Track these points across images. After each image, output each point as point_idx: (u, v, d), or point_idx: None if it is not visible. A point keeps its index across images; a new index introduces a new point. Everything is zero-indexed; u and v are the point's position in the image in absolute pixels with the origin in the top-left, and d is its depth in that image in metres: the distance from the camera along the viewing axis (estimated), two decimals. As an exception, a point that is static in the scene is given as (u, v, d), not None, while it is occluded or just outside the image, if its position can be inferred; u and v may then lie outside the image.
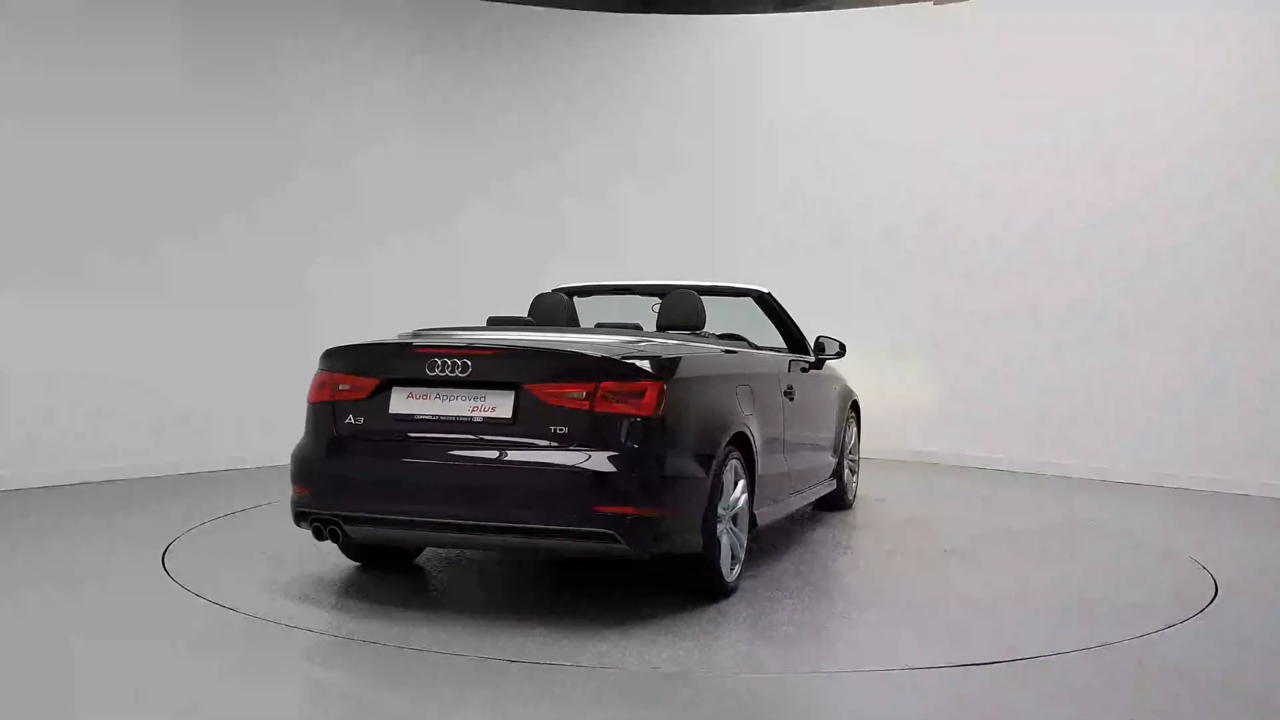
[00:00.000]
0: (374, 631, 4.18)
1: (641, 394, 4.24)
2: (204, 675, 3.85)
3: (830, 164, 9.74)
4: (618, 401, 4.23)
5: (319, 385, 4.67)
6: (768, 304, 6.27)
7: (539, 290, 6.04)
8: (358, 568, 5.23)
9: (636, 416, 4.22)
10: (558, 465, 4.20)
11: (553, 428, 4.24)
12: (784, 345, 6.45)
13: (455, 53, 9.63)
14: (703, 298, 5.57)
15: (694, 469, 4.43)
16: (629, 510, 4.16)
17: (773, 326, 6.42)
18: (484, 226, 9.59)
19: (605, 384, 4.23)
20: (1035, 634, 4.38)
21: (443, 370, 4.37)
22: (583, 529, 4.17)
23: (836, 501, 7.00)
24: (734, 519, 4.75)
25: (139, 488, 7.42)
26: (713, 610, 4.53)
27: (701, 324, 5.40)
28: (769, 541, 5.98)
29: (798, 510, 6.59)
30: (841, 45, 9.84)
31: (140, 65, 7.91)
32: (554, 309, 5.73)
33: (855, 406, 7.27)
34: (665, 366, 4.40)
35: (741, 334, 6.22)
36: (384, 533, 4.59)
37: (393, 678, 3.74)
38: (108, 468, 7.64)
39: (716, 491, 4.51)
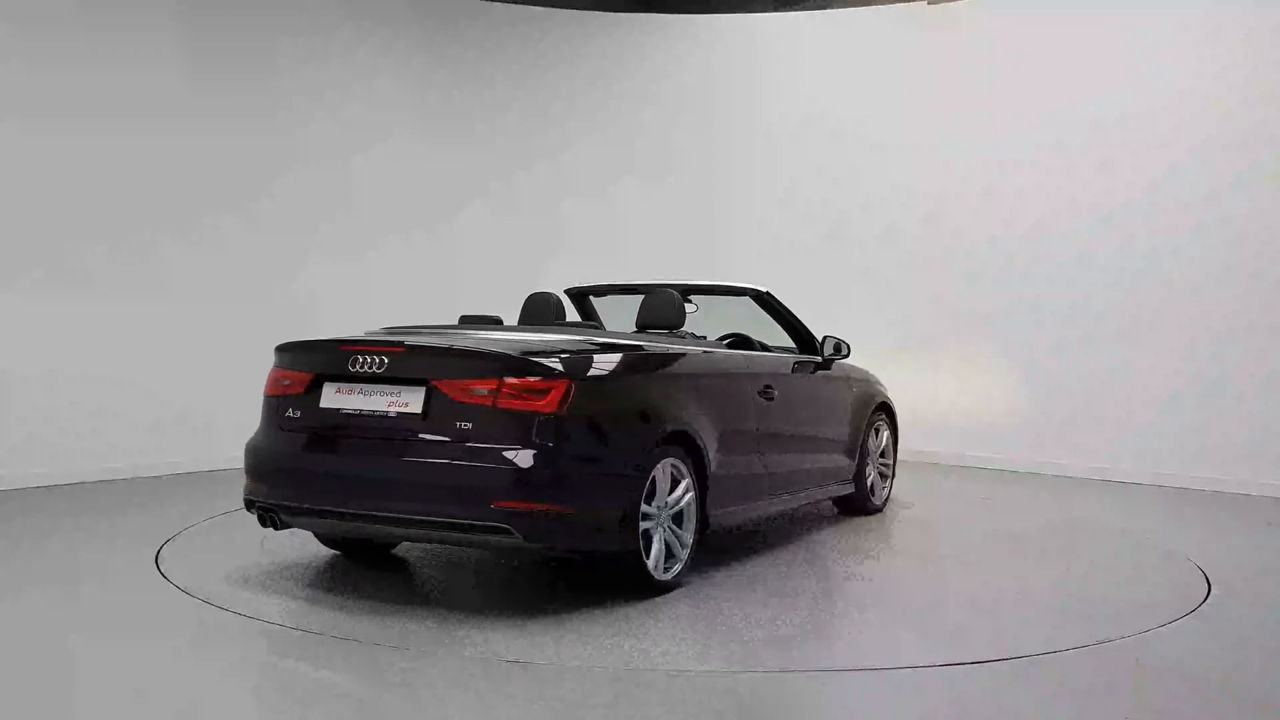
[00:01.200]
0: (372, 632, 4.19)
1: (546, 392, 4.32)
2: (200, 675, 3.84)
3: (830, 164, 9.74)
4: (520, 398, 4.31)
5: (271, 380, 4.88)
6: (768, 303, 6.20)
7: (537, 289, 6.09)
8: (352, 567, 5.24)
9: (539, 414, 4.30)
10: (459, 460, 4.31)
11: (459, 424, 4.35)
12: (792, 345, 6.38)
13: (455, 52, 9.63)
14: (709, 297, 5.76)
15: (610, 467, 4.49)
16: (526, 506, 4.25)
17: (778, 327, 6.35)
18: (483, 226, 9.58)
19: (508, 381, 4.33)
20: (1034, 633, 4.38)
21: (363, 366, 4.53)
22: (480, 523, 4.27)
23: (860, 505, 6.83)
24: (677, 518, 4.81)
25: (138, 487, 7.42)
26: (642, 606, 4.55)
27: (678, 323, 5.45)
28: (746, 541, 5.97)
29: (791, 511, 6.56)
30: (840, 44, 9.83)
31: (139, 64, 7.90)
32: (542, 308, 5.78)
33: (886, 409, 7.08)
34: (574, 365, 4.48)
35: (747, 334, 6.29)
36: (315, 522, 4.78)
37: (390, 678, 3.73)
38: (106, 467, 7.64)
39: (642, 490, 4.54)
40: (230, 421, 8.05)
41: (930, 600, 4.96)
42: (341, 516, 4.55)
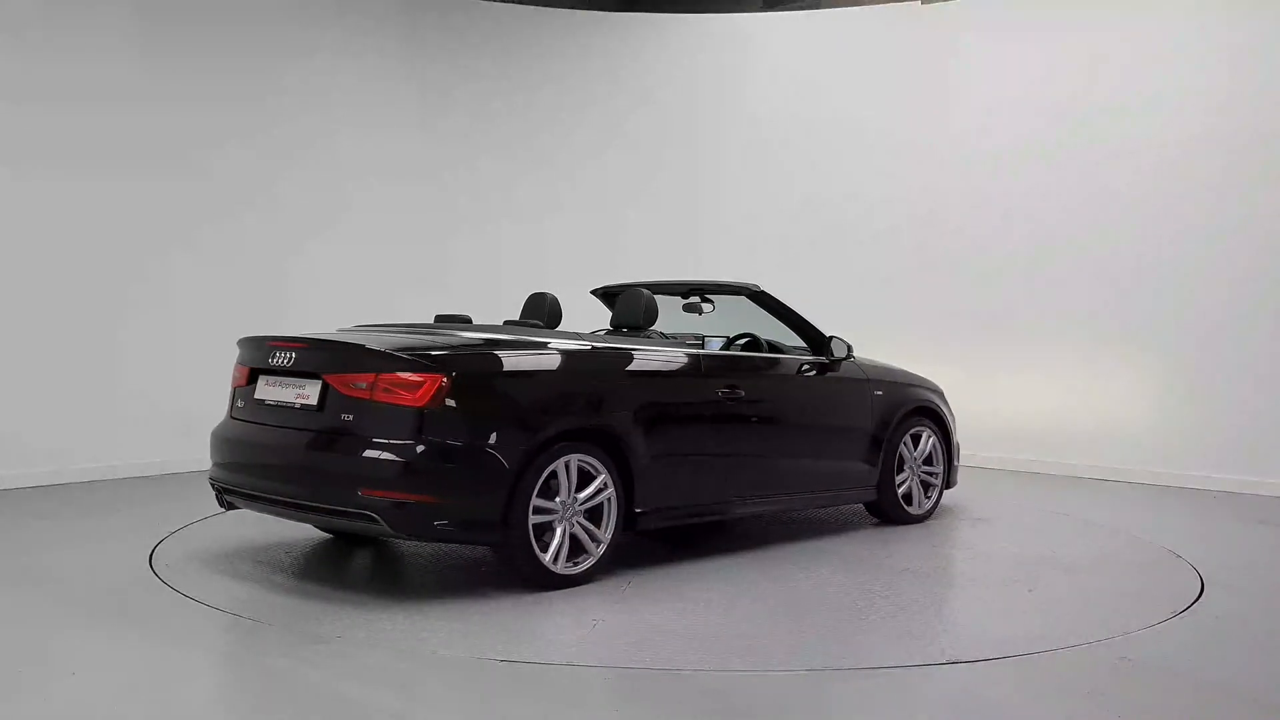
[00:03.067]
0: (370, 632, 4.19)
1: (418, 386, 4.51)
2: (200, 675, 3.84)
3: (825, 163, 9.74)
4: (393, 392, 4.52)
5: (235, 373, 5.29)
6: (764, 301, 6.13)
7: (528, 289, 6.18)
8: (349, 564, 5.24)
9: (410, 408, 4.50)
10: (338, 450, 4.61)
11: (343, 415, 4.62)
12: (803, 346, 6.28)
13: (445, 51, 9.60)
14: (722, 297, 6.01)
15: (486, 461, 4.58)
16: (392, 495, 4.44)
17: (782, 325, 6.22)
18: (478, 226, 9.58)
19: (384, 375, 4.56)
20: (1026, 631, 4.39)
21: (279, 361, 4.90)
22: (351, 510, 4.52)
23: (892, 513, 6.47)
24: (595, 515, 4.89)
25: (140, 487, 7.40)
26: (541, 599, 4.65)
27: (647, 323, 5.55)
28: (709, 541, 5.97)
29: (788, 514, 6.53)
30: (834, 44, 9.84)
31: (130, 59, 7.88)
32: (537, 307, 5.89)
33: (930, 414, 6.70)
34: (450, 361, 4.64)
35: (758, 335, 6.28)
36: (248, 504, 5.06)
37: (387, 678, 3.73)
38: (101, 467, 7.62)
39: (531, 485, 4.64)
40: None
41: (927, 600, 4.97)
42: (262, 500, 4.89)
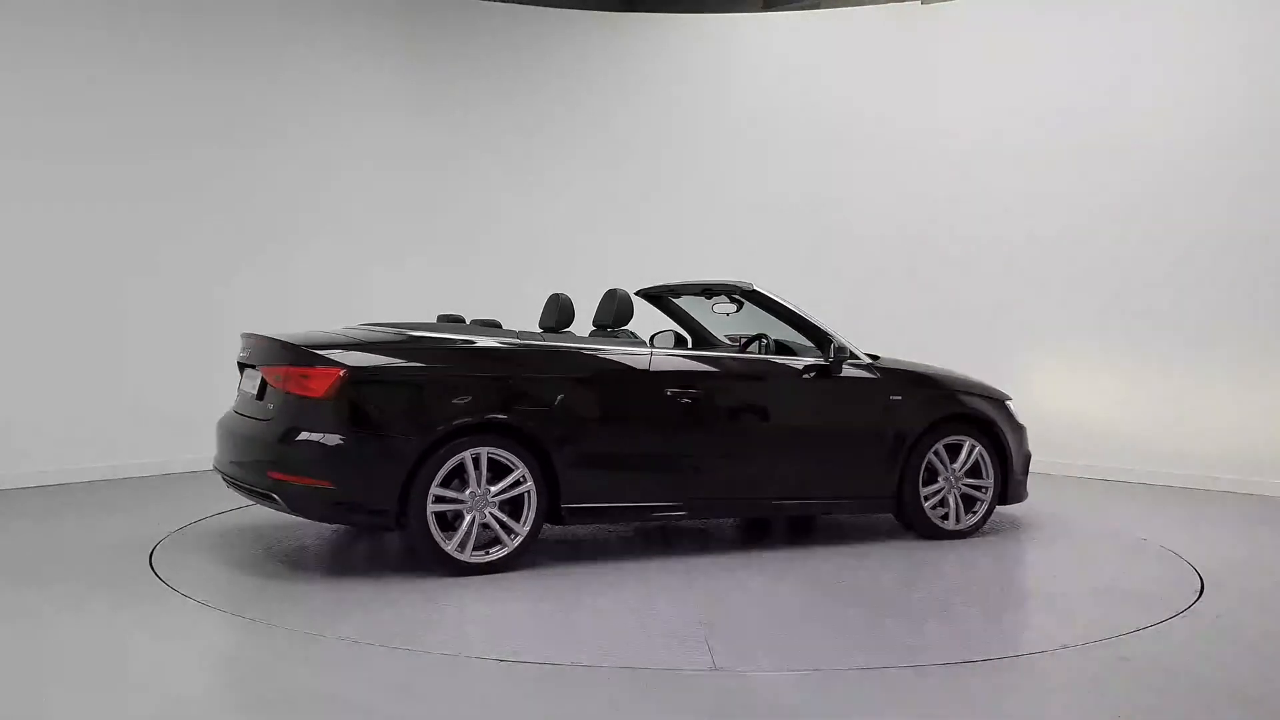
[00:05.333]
0: (370, 631, 4.19)
1: (318, 379, 4.92)
2: (195, 674, 3.84)
3: (825, 163, 9.72)
4: (300, 384, 4.96)
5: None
6: (759, 300, 6.06)
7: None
8: (350, 566, 5.25)
9: (310, 398, 4.92)
10: (257, 436, 5.09)
11: (269, 404, 5.12)
12: (809, 344, 6.11)
13: (439, 50, 9.59)
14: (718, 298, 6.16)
15: (380, 451, 4.92)
16: (290, 479, 4.91)
17: (788, 325, 6.09)
18: (474, 226, 9.58)
19: (293, 369, 5.00)
20: (1023, 631, 4.39)
21: (244, 354, 5.50)
22: (260, 490, 5.04)
23: (920, 529, 6.06)
24: (515, 507, 5.09)
25: (140, 487, 7.41)
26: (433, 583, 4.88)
27: (618, 322, 5.66)
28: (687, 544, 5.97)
29: (760, 515, 6.37)
30: (833, 43, 9.83)
31: (130, 59, 7.88)
32: (552, 309, 5.88)
33: (976, 422, 6.22)
34: (351, 357, 4.98)
35: (775, 336, 6.30)
36: (230, 487, 5.44)
37: (387, 677, 3.73)
38: (101, 467, 7.62)
39: (431, 475, 4.91)
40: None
41: (927, 600, 4.97)
42: (229, 483, 5.36)
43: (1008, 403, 6.49)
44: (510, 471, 5.08)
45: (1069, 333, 8.70)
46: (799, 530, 6.40)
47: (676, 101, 10.03)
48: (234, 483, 5.30)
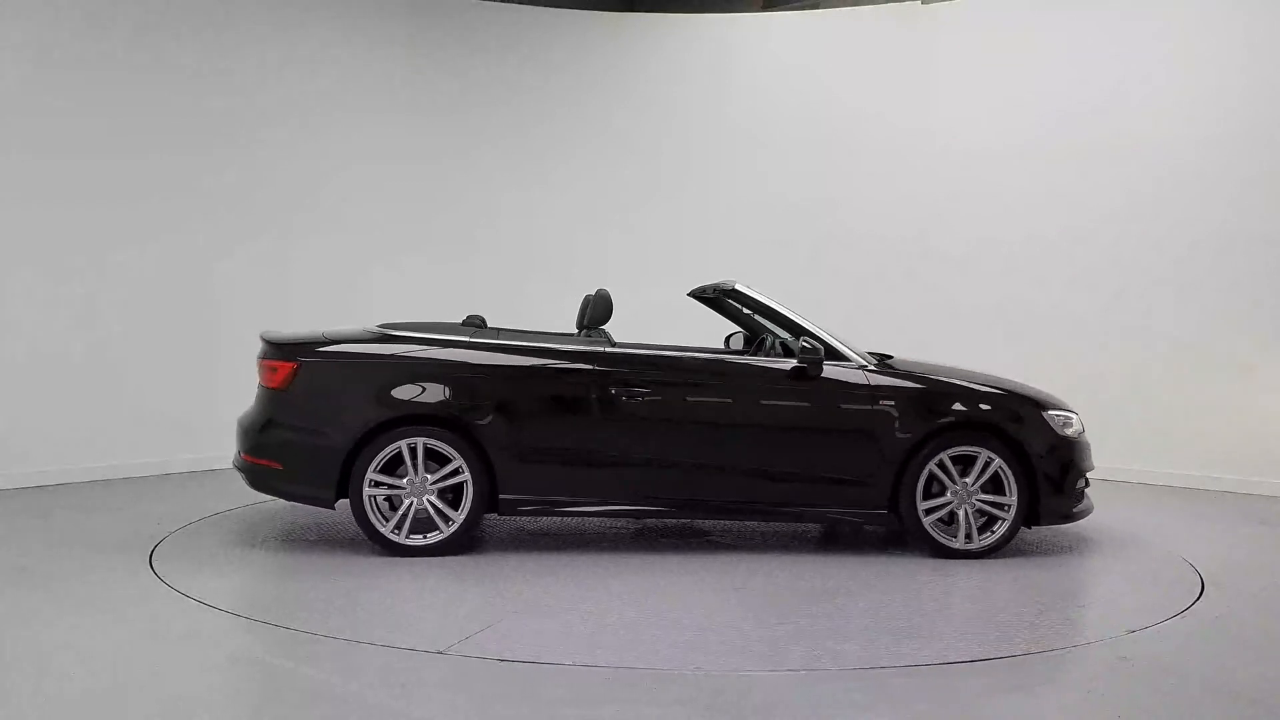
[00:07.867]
0: (370, 631, 4.19)
1: (276, 370, 5.53)
2: (195, 674, 3.84)
3: (825, 163, 9.72)
4: (266, 375, 5.60)
5: None
6: (742, 299, 6.01)
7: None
8: (350, 565, 5.25)
9: (270, 388, 5.57)
10: (241, 421, 5.74)
11: (257, 397, 5.70)
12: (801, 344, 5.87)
13: (438, 51, 9.58)
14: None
15: (320, 438, 5.43)
16: (250, 460, 5.59)
17: (774, 324, 6.02)
18: (472, 226, 9.56)
19: (264, 361, 5.63)
20: (1023, 631, 4.39)
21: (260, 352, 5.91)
22: (238, 470, 5.70)
23: (928, 545, 5.67)
24: (447, 495, 5.44)
25: (140, 487, 7.41)
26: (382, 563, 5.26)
27: (594, 323, 5.83)
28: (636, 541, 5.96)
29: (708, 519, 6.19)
30: (833, 43, 9.83)
31: (129, 57, 7.87)
32: (584, 307, 5.97)
33: (996, 431, 5.68)
34: (299, 350, 5.54)
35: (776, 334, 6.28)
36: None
37: (387, 677, 3.73)
38: (101, 467, 7.62)
39: (368, 461, 5.35)
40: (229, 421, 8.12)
41: (928, 601, 4.97)
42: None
43: (1048, 413, 5.86)
44: (447, 461, 5.42)
45: (1069, 333, 8.70)
46: (801, 537, 6.39)
47: (676, 101, 10.02)
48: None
